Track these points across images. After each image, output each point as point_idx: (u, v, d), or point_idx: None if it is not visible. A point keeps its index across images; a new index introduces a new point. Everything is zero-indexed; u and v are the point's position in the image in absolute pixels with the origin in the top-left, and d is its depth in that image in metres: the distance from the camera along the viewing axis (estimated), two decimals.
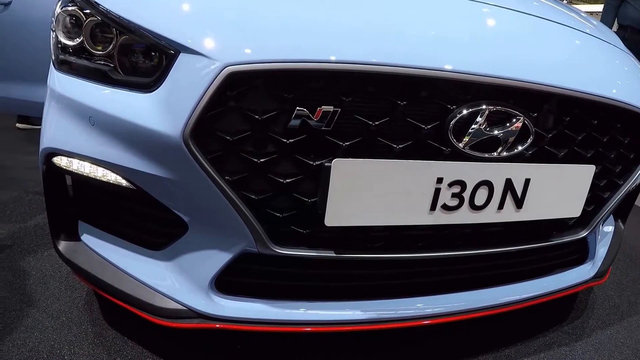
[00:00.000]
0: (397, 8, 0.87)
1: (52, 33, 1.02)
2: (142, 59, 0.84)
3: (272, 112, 0.77)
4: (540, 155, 0.95)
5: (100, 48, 0.88)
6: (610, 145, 1.05)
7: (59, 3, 0.98)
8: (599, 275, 1.28)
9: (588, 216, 1.13)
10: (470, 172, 0.86)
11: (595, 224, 1.14)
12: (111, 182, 0.93)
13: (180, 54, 0.77)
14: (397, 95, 0.80)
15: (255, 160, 0.79)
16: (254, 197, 0.82)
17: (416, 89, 0.81)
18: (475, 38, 0.89)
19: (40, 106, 1.95)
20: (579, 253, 1.25)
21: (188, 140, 0.75)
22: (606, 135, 1.03)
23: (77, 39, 0.92)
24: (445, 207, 0.87)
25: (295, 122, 0.77)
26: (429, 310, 1.02)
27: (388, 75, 0.77)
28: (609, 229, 1.39)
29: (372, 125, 0.79)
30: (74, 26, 0.93)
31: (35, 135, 3.33)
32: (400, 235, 0.92)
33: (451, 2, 0.95)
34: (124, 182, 0.91)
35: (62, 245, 1.08)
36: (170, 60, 0.78)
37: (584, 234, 1.14)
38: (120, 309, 1.10)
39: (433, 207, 0.86)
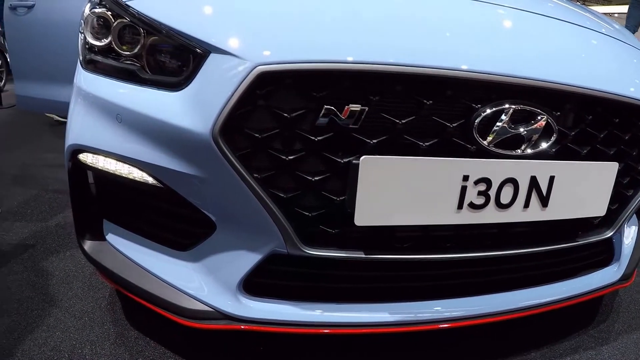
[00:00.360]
0: (422, 11, 0.89)
1: (80, 34, 1.05)
2: (171, 58, 0.86)
3: (300, 110, 0.78)
4: (563, 152, 0.96)
5: (128, 48, 0.90)
6: (632, 143, 1.04)
7: (88, 5, 1.01)
8: (625, 278, 1.27)
9: (613, 215, 1.12)
10: (496, 169, 0.87)
11: (620, 223, 1.13)
12: (137, 179, 0.95)
13: (211, 54, 0.79)
14: (423, 95, 0.81)
15: (284, 157, 0.80)
16: (282, 195, 0.83)
17: (442, 88, 0.82)
18: (498, 40, 0.91)
19: (62, 105, 2.03)
20: (604, 254, 1.24)
21: (217, 137, 0.76)
22: (628, 133, 1.03)
23: (105, 39, 0.95)
24: (472, 206, 0.88)
25: (323, 120, 0.78)
26: (455, 314, 1.02)
27: (415, 76, 0.78)
28: (633, 229, 1.38)
29: (399, 123, 0.80)
30: (102, 27, 0.96)
31: (54, 131, 3.42)
32: (428, 235, 0.93)
33: (473, 5, 0.97)
34: (150, 180, 0.93)
35: (87, 244, 1.10)
36: (200, 60, 0.81)
37: (609, 233, 1.13)
38: (142, 310, 1.12)
39: (460, 206, 0.87)
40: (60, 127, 3.45)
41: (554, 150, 0.94)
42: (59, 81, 1.99)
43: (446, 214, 0.87)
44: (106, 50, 0.95)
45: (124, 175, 0.97)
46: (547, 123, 0.89)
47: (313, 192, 0.84)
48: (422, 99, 0.81)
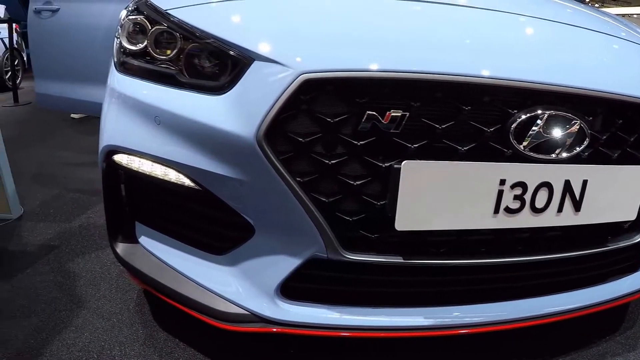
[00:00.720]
0: (461, 25, 0.92)
1: (116, 39, 1.08)
2: (212, 64, 0.89)
3: (343, 115, 0.80)
4: (595, 156, 0.97)
5: (164, 53, 0.93)
6: None
7: (126, 11, 1.05)
8: None
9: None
10: (531, 173, 0.89)
11: None
12: (173, 181, 0.97)
13: (255, 61, 0.82)
14: (461, 101, 0.83)
15: (327, 161, 0.82)
16: (324, 199, 0.85)
17: (480, 95, 0.84)
18: (531, 49, 0.94)
19: (80, 104, 2.07)
20: (634, 259, 1.25)
21: (262, 141, 0.79)
22: None
23: (141, 44, 0.98)
24: (508, 210, 0.90)
25: (365, 125, 0.80)
26: (487, 319, 1.03)
27: (454, 84, 0.80)
28: None
29: (439, 128, 0.83)
30: (139, 33, 0.99)
31: (70, 128, 3.46)
32: (463, 240, 0.94)
33: (505, 18, 1.00)
34: (187, 182, 0.95)
35: (120, 247, 1.12)
36: (244, 66, 0.83)
37: (638, 238, 1.15)
38: (172, 312, 1.14)
39: (497, 210, 0.89)
40: (76, 125, 3.50)
41: (586, 154, 0.96)
42: (78, 81, 2.07)
43: (483, 219, 0.89)
44: (142, 54, 0.98)
45: (159, 176, 0.99)
46: (580, 128, 0.91)
47: (354, 197, 0.86)
48: (461, 104, 0.83)
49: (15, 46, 5.05)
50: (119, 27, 1.06)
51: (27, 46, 5.60)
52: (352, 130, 0.82)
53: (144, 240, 1.13)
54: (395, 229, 0.86)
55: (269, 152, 0.80)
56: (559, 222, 0.96)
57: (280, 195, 0.84)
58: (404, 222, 0.85)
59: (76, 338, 1.20)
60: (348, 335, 0.98)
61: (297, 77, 0.76)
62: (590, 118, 0.94)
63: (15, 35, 4.90)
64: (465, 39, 0.88)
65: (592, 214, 1.00)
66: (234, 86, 0.84)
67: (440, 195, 0.85)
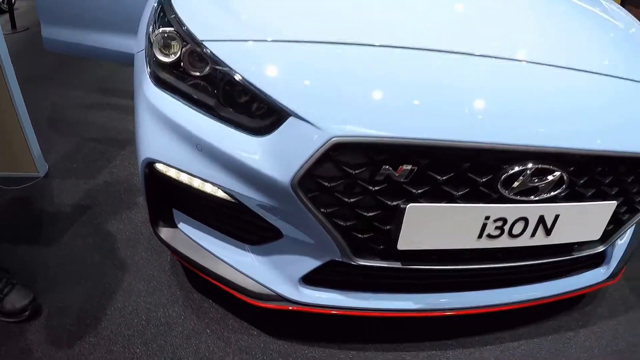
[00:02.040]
0: (462, 92, 1.14)
1: (146, 49, 1.28)
2: (251, 107, 1.11)
3: (363, 168, 1.07)
4: (570, 196, 1.26)
5: (201, 74, 1.15)
6: (632, 184, 1.33)
7: (160, 30, 1.23)
8: (612, 276, 1.65)
9: (607, 235, 1.46)
10: (512, 211, 1.18)
11: (613, 241, 1.48)
12: (209, 192, 1.25)
13: (291, 117, 1.07)
14: (462, 158, 1.10)
15: (346, 199, 1.11)
16: (342, 223, 1.15)
17: (477, 154, 1.10)
18: (527, 115, 1.16)
19: (86, 49, 2.26)
20: (596, 259, 1.61)
21: (296, 186, 1.07)
22: (629, 177, 1.31)
23: (174, 56, 1.19)
24: (489, 236, 1.21)
25: (381, 176, 1.09)
26: (466, 304, 1.43)
27: (456, 147, 1.07)
28: (627, 232, 1.73)
29: (440, 179, 1.11)
30: (171, 46, 1.20)
31: (76, 64, 3.53)
32: (452, 252, 1.27)
33: (508, 69, 1.23)
34: (223, 195, 1.24)
35: (162, 231, 1.43)
36: (281, 117, 1.07)
37: (601, 248, 1.48)
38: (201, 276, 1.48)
39: (480, 236, 1.20)
40: (81, 61, 3.54)
41: (563, 194, 1.24)
42: (84, 26, 2.24)
43: (468, 242, 1.22)
44: (176, 66, 1.19)
45: (197, 187, 1.27)
46: (561, 176, 1.19)
47: (367, 222, 1.16)
48: (461, 161, 1.11)
49: None
50: (148, 39, 1.26)
51: None
52: (369, 177, 1.10)
53: (182, 226, 1.45)
54: (397, 248, 1.18)
55: (300, 194, 1.08)
56: (531, 243, 1.28)
57: (307, 219, 1.14)
58: (404, 244, 1.18)
59: (125, 302, 1.55)
60: (354, 315, 1.37)
61: (328, 140, 1.02)
62: (572, 168, 1.21)
63: None
64: (469, 108, 1.12)
65: (560, 237, 1.31)
66: (272, 132, 1.09)
67: (435, 227, 1.17)
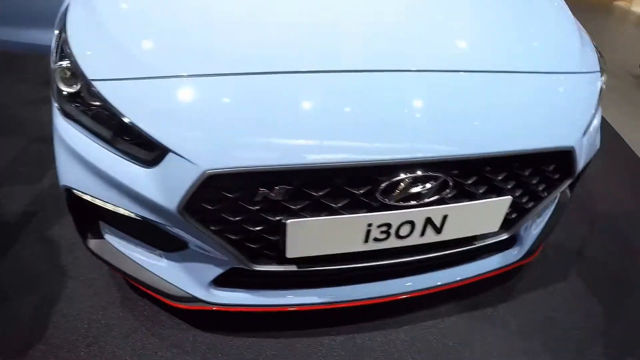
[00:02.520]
0: (330, 113, 1.23)
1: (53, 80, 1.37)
2: (139, 142, 1.22)
3: (240, 191, 1.19)
4: (459, 196, 1.36)
5: (102, 127, 1.27)
6: (527, 177, 1.43)
7: (58, 71, 1.32)
8: (527, 255, 1.78)
9: (510, 223, 1.58)
10: (395, 217, 1.30)
11: (517, 228, 1.60)
12: (121, 212, 1.38)
13: (170, 152, 1.17)
14: (335, 175, 1.21)
15: (231, 218, 1.24)
16: (234, 237, 1.29)
17: (352, 170, 1.21)
18: (397, 128, 1.25)
19: (36, 47, 2.31)
20: (507, 242, 1.73)
21: (182, 211, 1.19)
22: (523, 171, 1.41)
23: (76, 86, 1.28)
24: (376, 239, 1.34)
25: (258, 198, 1.21)
26: (379, 293, 1.60)
27: (326, 168, 1.18)
28: (546, 211, 1.85)
29: (316, 194, 1.23)
30: (72, 77, 1.30)
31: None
32: (345, 255, 1.40)
33: (390, 82, 1.31)
34: (131, 214, 1.38)
35: (90, 242, 1.58)
36: (162, 152, 1.18)
37: (505, 236, 1.61)
38: None
39: (366, 240, 1.33)
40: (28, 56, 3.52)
41: (449, 196, 1.34)
42: (16, 24, 2.30)
43: (355, 246, 1.35)
44: (77, 96, 1.29)
45: (110, 208, 1.40)
46: (444, 181, 1.29)
47: (255, 236, 1.30)
48: (335, 178, 1.22)
49: None
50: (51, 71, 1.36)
51: None
52: (249, 198, 1.22)
53: (108, 236, 1.59)
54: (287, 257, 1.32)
55: (188, 217, 1.21)
56: (422, 241, 1.41)
57: (202, 236, 1.28)
58: (292, 253, 1.32)
59: (69, 307, 1.72)
60: (260, 310, 1.54)
61: (202, 174, 1.14)
62: (456, 171, 1.31)
63: None
64: (335, 128, 1.21)
65: (453, 233, 1.44)
66: (157, 165, 1.20)
67: (319, 237, 1.30)
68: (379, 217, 1.30)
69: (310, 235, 1.29)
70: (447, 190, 1.32)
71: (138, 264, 1.55)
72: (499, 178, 1.40)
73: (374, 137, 1.23)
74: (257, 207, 1.23)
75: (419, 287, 1.64)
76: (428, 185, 1.29)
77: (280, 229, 1.27)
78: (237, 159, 1.16)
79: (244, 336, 1.67)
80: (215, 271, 1.46)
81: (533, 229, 1.81)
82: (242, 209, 1.24)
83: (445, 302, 1.84)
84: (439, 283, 1.65)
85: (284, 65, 1.26)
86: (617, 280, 2.07)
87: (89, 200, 1.41)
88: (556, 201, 1.86)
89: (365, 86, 1.29)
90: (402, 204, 1.30)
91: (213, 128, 1.19)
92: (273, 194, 1.21)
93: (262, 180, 1.19)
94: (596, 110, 1.62)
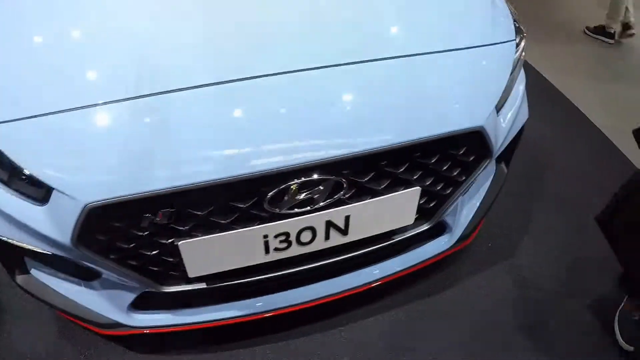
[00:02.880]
0: (214, 130, 1.24)
1: None
2: (29, 180, 1.25)
3: (127, 219, 1.22)
4: (361, 194, 1.36)
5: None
6: (439, 161, 1.42)
7: None
8: (459, 241, 1.78)
9: (430, 212, 1.59)
10: (291, 225, 1.31)
11: (439, 216, 1.61)
12: (31, 249, 1.43)
13: (54, 190, 1.20)
14: (215, 192, 1.23)
15: (126, 246, 1.27)
16: (135, 263, 1.33)
17: (230, 186, 1.22)
18: (272, 137, 1.24)
19: None
20: (433, 231, 1.73)
21: (77, 245, 1.22)
22: (431, 159, 1.39)
23: None
24: (277, 249, 1.36)
25: (145, 223, 1.24)
26: (305, 298, 1.61)
27: (206, 187, 1.20)
28: (477, 196, 1.85)
29: (201, 214, 1.25)
30: None
31: None
32: (251, 267, 1.44)
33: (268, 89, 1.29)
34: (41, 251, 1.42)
35: (18, 278, 1.63)
36: (49, 189, 1.21)
37: (427, 226, 1.62)
38: None
39: (267, 252, 1.35)
40: None
41: (347, 196, 1.35)
42: None
43: (258, 258, 1.37)
44: None
45: (22, 246, 1.44)
46: (337, 182, 1.29)
47: (155, 259, 1.33)
48: (216, 195, 1.24)
49: None
50: None
51: None
52: (137, 225, 1.25)
53: (34, 271, 1.63)
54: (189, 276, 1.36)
55: (84, 249, 1.24)
56: (329, 244, 1.43)
57: (103, 265, 1.31)
58: (194, 272, 1.35)
59: (13, 342, 1.78)
60: (180, 330, 1.57)
61: (84, 207, 1.17)
62: (347, 171, 1.30)
63: None
64: (206, 147, 1.23)
65: (362, 232, 1.45)
66: (48, 201, 1.24)
67: (216, 254, 1.32)
68: (273, 227, 1.32)
69: (206, 253, 1.32)
70: (342, 192, 1.33)
71: (62, 294, 1.59)
72: (401, 170, 1.39)
73: (251, 149, 1.24)
74: (147, 233, 1.26)
75: (347, 287, 1.66)
76: (319, 189, 1.29)
77: (175, 251, 1.30)
78: (115, 189, 1.18)
79: (181, 353, 1.72)
80: (131, 295, 1.50)
81: (464, 213, 1.80)
82: (133, 235, 1.27)
83: (384, 297, 1.86)
84: (366, 281, 1.67)
85: (150, 88, 1.27)
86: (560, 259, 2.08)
87: (4, 239, 1.46)
88: (489, 181, 1.85)
89: (241, 96, 1.29)
90: (296, 210, 1.31)
91: (90, 160, 1.22)
92: (159, 219, 1.24)
93: (145, 206, 1.22)
94: (513, 80, 1.59)
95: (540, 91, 3.25)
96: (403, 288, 1.90)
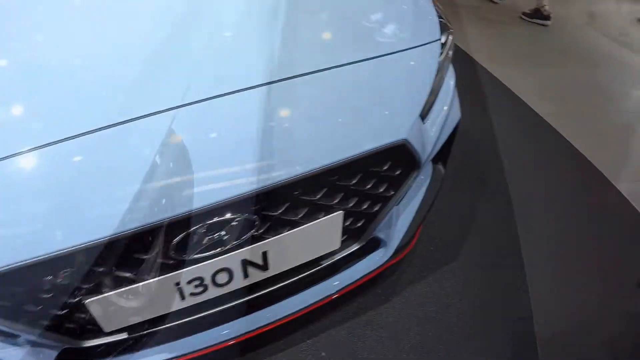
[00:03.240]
0: (96, 187, 1.17)
1: None
2: None
3: (29, 283, 1.20)
4: (277, 226, 1.35)
5: None
6: (361, 181, 1.39)
7: None
8: (396, 254, 1.78)
9: (359, 232, 1.59)
10: (203, 269, 1.31)
11: (369, 234, 1.61)
12: None
13: None
14: (114, 247, 1.19)
15: (35, 309, 1.25)
16: (48, 323, 1.31)
17: (128, 239, 1.19)
18: (162, 183, 1.17)
19: None
20: (366, 248, 1.74)
21: None
22: (352, 180, 1.37)
23: None
24: (194, 294, 1.36)
25: (48, 285, 1.22)
26: (251, 327, 1.58)
27: (95, 246, 1.16)
28: (411, 206, 1.85)
29: (105, 269, 1.23)
30: None
31: None
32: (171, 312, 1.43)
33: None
34: None
35: None
36: None
37: (356, 246, 1.62)
38: None
39: (183, 298, 1.35)
40: None
41: (261, 231, 1.33)
42: None
43: (175, 305, 1.36)
44: None
45: None
46: (245, 220, 1.28)
47: (68, 317, 1.32)
48: (115, 250, 1.21)
49: None
50: None
51: None
52: (40, 288, 1.22)
53: None
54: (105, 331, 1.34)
55: None
56: (250, 281, 1.43)
57: (18, 328, 1.30)
58: (109, 327, 1.34)
59: None
60: None
61: None
62: (256, 207, 1.26)
63: None
64: (89, 207, 1.16)
65: (284, 265, 1.44)
66: None
67: (128, 307, 1.31)
68: (184, 274, 1.30)
69: (117, 307, 1.31)
70: (254, 229, 1.31)
71: None
72: (319, 197, 1.36)
73: (147, 199, 1.18)
74: (52, 294, 1.25)
75: (282, 315, 1.65)
76: (229, 228, 1.27)
77: (85, 309, 1.29)
78: (5, 257, 1.14)
79: None
80: (52, 354, 1.47)
81: (399, 224, 1.78)
82: (40, 298, 1.25)
83: (341, 309, 1.87)
84: (298, 308, 1.66)
85: (34, 142, 1.16)
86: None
87: None
88: (424, 187, 1.84)
89: (131, 140, 1.20)
90: (207, 254, 1.30)
91: None
92: (60, 279, 1.22)
93: (41, 269, 1.20)
94: (440, 81, 1.56)
95: (481, 83, 3.26)
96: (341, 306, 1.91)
